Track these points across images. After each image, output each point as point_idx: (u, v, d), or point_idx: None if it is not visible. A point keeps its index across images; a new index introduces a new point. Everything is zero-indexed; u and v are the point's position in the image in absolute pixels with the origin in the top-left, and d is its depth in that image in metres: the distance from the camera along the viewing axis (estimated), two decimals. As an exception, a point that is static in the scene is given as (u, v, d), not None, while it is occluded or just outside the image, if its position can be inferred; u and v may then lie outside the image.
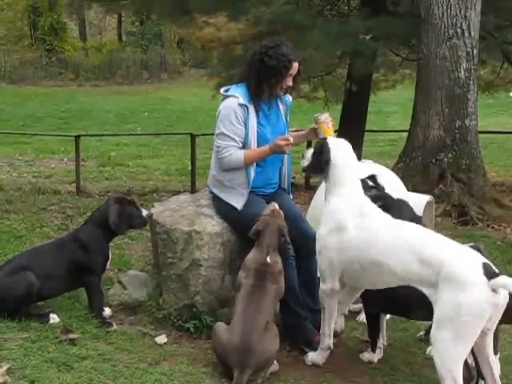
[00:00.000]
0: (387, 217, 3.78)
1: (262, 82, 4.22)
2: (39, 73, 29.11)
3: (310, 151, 3.99)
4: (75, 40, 34.64)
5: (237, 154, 4.20)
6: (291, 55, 4.20)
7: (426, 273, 3.38)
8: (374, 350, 4.06)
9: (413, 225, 3.75)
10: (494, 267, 3.29)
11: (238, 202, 4.27)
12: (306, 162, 3.99)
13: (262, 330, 3.66)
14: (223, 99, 4.32)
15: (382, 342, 4.15)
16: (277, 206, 4.07)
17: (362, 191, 3.85)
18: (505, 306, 3.26)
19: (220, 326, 3.77)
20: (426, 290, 3.41)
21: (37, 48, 31.06)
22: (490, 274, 3.20)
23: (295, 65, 4.22)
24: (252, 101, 4.24)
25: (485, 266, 3.24)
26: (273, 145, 4.18)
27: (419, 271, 3.41)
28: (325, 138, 4.00)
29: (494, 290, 3.17)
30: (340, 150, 3.89)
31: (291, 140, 4.17)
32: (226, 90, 4.34)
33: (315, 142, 4.11)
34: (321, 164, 3.86)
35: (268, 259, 3.89)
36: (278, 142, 4.15)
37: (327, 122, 4.16)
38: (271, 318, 3.80)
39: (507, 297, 3.25)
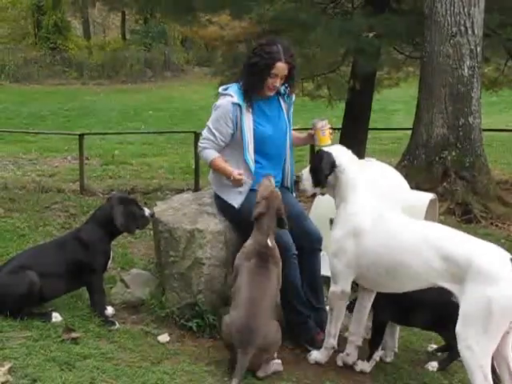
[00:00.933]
0: (405, 217, 3.77)
1: (247, 80, 4.20)
2: (43, 71, 29.17)
3: (306, 169, 3.98)
4: (79, 38, 34.65)
5: (209, 153, 4.27)
6: (277, 55, 4.09)
7: (451, 269, 3.38)
8: (368, 360, 3.99)
9: (432, 223, 3.74)
10: None
11: (235, 200, 4.26)
12: (306, 182, 3.96)
13: (266, 312, 3.66)
14: (219, 97, 4.31)
15: (395, 347, 4.11)
16: (273, 181, 4.03)
17: (374, 193, 3.83)
18: None
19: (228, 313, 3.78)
20: (451, 287, 3.40)
21: (41, 47, 31.11)
22: None
23: (279, 65, 4.09)
24: (246, 99, 4.21)
25: None
26: (234, 176, 4.13)
27: (444, 268, 3.41)
28: (319, 150, 3.97)
29: None
30: (343, 156, 3.88)
31: (243, 179, 4.13)
32: (225, 89, 4.32)
33: (310, 158, 4.05)
34: (324, 173, 3.83)
35: (269, 242, 3.87)
36: (237, 177, 4.12)
37: (324, 129, 4.15)
38: (274, 303, 3.80)
39: None
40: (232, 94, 4.20)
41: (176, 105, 21.62)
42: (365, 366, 3.97)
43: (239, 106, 4.17)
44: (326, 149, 3.95)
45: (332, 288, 3.90)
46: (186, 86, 26.68)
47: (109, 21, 39.82)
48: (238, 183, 4.17)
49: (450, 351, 3.98)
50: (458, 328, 3.30)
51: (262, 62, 4.09)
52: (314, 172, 3.92)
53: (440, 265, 3.42)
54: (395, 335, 4.11)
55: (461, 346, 3.30)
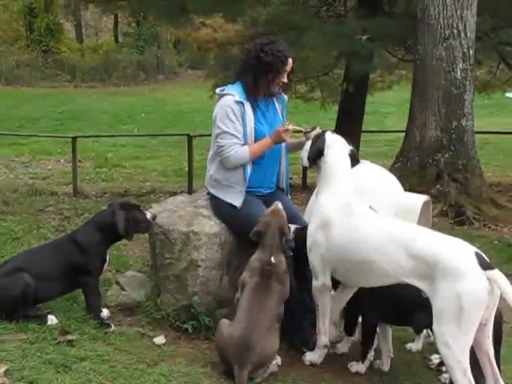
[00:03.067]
0: (375, 215, 3.80)
1: (259, 79, 4.24)
2: (35, 74, 29.06)
3: (309, 143, 4.03)
4: (71, 41, 34.61)
5: (241, 150, 4.21)
6: (286, 51, 4.25)
7: (418, 267, 3.42)
8: (363, 361, 4.02)
9: (401, 222, 3.77)
10: (484, 256, 3.36)
11: (236, 199, 4.27)
12: (304, 153, 4.02)
13: (264, 329, 3.67)
14: (219, 99, 4.33)
15: (391, 352, 4.09)
16: (280, 206, 4.05)
17: (351, 190, 3.86)
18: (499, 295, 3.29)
19: (224, 323, 3.78)
20: (420, 285, 3.44)
21: (33, 49, 31.01)
22: (483, 263, 3.28)
23: (290, 61, 4.26)
24: (248, 98, 4.25)
25: (477, 255, 3.32)
26: (273, 134, 4.21)
27: (411, 266, 3.45)
28: (324, 132, 4.02)
29: (489, 279, 3.23)
30: (334, 147, 3.92)
31: (290, 127, 4.19)
32: (222, 90, 4.35)
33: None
34: (314, 155, 3.90)
35: (272, 259, 3.88)
36: (277, 129, 4.20)
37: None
38: (275, 319, 3.80)
39: None
40: (232, 93, 4.24)
41: (169, 107, 21.60)
42: (360, 367, 3.99)
43: (242, 103, 4.21)
44: (328, 135, 3.97)
45: (313, 283, 3.94)
46: (178, 89, 26.65)
47: (101, 23, 39.83)
48: (287, 135, 4.20)
49: None
50: (434, 326, 3.35)
51: (277, 59, 4.20)
52: (310, 149, 3.96)
53: (407, 263, 3.46)
54: (388, 339, 4.09)
55: (438, 344, 3.34)
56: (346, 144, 4.00)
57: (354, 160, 4.01)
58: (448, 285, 3.28)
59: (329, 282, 3.89)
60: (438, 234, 3.58)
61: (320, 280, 3.90)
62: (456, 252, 3.37)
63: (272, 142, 4.23)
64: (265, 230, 3.94)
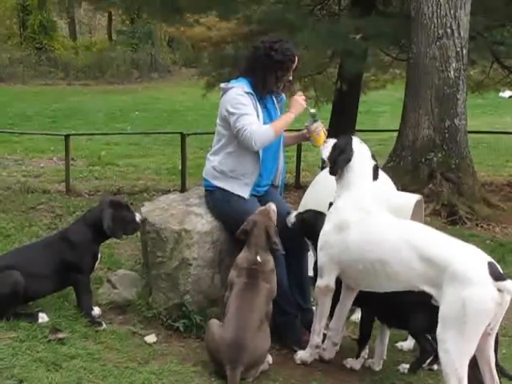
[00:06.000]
0: (391, 218, 3.78)
1: (268, 76, 4.23)
2: (29, 71, 28.95)
3: (333, 142, 3.99)
4: (65, 39, 34.46)
5: (264, 127, 4.14)
6: (294, 50, 4.29)
7: (429, 272, 3.39)
8: (357, 357, 4.02)
9: (417, 224, 3.76)
10: (498, 266, 3.31)
11: (243, 191, 4.23)
12: (326, 153, 3.98)
13: (254, 328, 3.67)
14: (225, 92, 4.25)
15: (384, 354, 4.09)
16: (273, 206, 4.05)
17: (371, 196, 3.84)
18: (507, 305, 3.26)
19: (214, 323, 3.77)
20: (431, 290, 3.42)
21: (26, 47, 30.88)
22: (495, 273, 3.23)
23: (297, 59, 4.28)
24: (257, 95, 4.24)
25: (490, 264, 3.27)
26: (291, 105, 4.26)
27: (422, 270, 3.42)
28: (351, 138, 3.97)
29: (499, 290, 3.19)
30: (361, 155, 3.90)
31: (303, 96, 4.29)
32: (227, 84, 4.31)
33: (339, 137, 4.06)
34: (339, 162, 3.86)
35: (258, 258, 3.89)
36: (295, 98, 4.26)
37: (318, 131, 4.20)
38: (264, 317, 3.79)
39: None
40: (241, 85, 4.21)
41: (162, 106, 21.54)
42: (354, 364, 4.01)
43: (252, 94, 4.20)
44: (355, 144, 3.92)
45: (317, 282, 3.93)
46: (172, 87, 26.60)
47: (95, 21, 39.70)
48: (302, 102, 4.25)
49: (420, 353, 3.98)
50: (438, 331, 3.31)
51: (287, 58, 4.22)
52: (333, 153, 3.92)
53: (419, 267, 3.44)
54: (384, 341, 4.09)
55: (440, 350, 3.31)
56: (371, 156, 3.97)
57: (375, 175, 3.97)
58: (454, 290, 3.24)
59: (333, 284, 3.87)
60: (453, 240, 3.53)
61: (325, 280, 3.87)
62: (467, 258, 3.33)
63: (292, 116, 4.24)
64: (251, 229, 3.94)
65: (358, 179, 3.85)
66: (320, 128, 4.21)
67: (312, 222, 4.11)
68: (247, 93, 4.18)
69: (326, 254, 3.83)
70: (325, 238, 3.85)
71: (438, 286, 3.36)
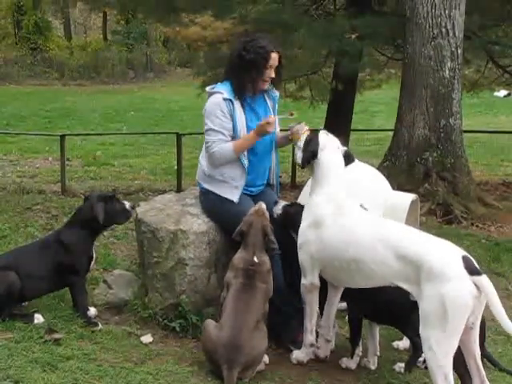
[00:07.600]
0: (367, 215, 3.80)
1: (244, 77, 4.23)
2: (24, 72, 28.91)
3: (302, 140, 4.01)
4: (60, 39, 34.47)
5: (226, 146, 4.20)
6: (268, 46, 4.22)
7: (405, 269, 3.41)
8: (352, 357, 4.03)
9: (393, 222, 3.77)
10: (473, 260, 3.34)
11: (232, 194, 4.26)
12: (298, 153, 4.00)
13: (251, 328, 3.67)
14: (208, 97, 4.33)
15: (377, 351, 4.09)
16: (263, 206, 4.06)
17: (344, 191, 3.85)
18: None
19: (210, 323, 3.77)
20: (408, 288, 3.44)
21: (21, 47, 30.85)
22: (470, 267, 3.25)
23: (274, 55, 4.23)
24: (237, 96, 4.24)
25: (464, 258, 3.30)
26: (256, 128, 4.19)
27: (398, 268, 3.44)
28: (317, 132, 4.01)
29: (475, 284, 3.21)
30: (327, 149, 3.91)
31: (271, 119, 4.18)
32: (212, 88, 4.35)
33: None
34: (308, 157, 3.89)
35: (255, 259, 3.89)
36: (259, 123, 4.19)
37: (299, 132, 4.13)
38: (261, 317, 3.80)
39: None
40: (221, 91, 4.23)
41: (158, 106, 21.52)
42: (350, 363, 4.01)
43: (231, 101, 4.20)
44: (321, 136, 3.95)
45: (302, 281, 3.95)
46: (167, 87, 26.60)
47: (90, 21, 39.67)
48: (271, 128, 4.16)
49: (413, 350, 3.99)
50: (421, 329, 3.33)
51: (259, 56, 4.18)
52: (304, 150, 3.95)
53: (395, 264, 3.46)
54: (375, 338, 4.10)
55: (424, 348, 3.34)
56: (340, 145, 3.99)
57: (349, 159, 4.00)
58: (433, 288, 3.27)
59: (317, 281, 3.90)
60: (427, 236, 3.55)
61: (308, 278, 3.90)
62: (442, 255, 3.35)
63: (255, 136, 4.20)
64: (248, 230, 3.94)
65: (329, 172, 3.87)
66: (303, 129, 4.12)
67: (296, 217, 4.09)
68: (226, 99, 4.20)
69: (306, 252, 3.86)
70: (303, 235, 3.88)
71: (415, 283, 3.38)
